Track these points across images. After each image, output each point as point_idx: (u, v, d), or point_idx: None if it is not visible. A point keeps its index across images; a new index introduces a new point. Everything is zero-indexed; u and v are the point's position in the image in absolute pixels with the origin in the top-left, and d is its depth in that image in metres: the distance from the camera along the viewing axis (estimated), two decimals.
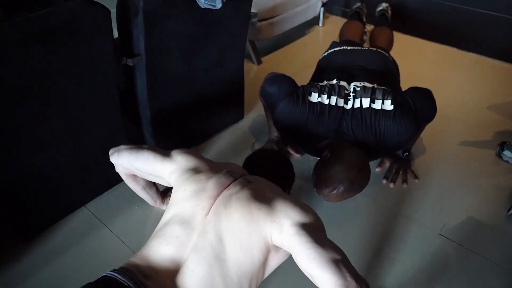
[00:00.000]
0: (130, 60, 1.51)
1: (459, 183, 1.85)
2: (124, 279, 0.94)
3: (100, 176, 1.70)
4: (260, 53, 2.82)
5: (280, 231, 1.00)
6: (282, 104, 1.67)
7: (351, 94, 1.67)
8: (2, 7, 1.19)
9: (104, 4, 1.35)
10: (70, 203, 1.67)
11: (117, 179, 1.53)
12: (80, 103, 1.46)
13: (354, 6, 3.06)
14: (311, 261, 0.93)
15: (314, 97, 1.66)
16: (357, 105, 1.64)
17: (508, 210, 1.67)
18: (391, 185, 1.82)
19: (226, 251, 1.01)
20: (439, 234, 1.61)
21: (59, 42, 1.26)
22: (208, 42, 1.75)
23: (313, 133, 1.68)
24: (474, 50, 2.86)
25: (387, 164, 1.90)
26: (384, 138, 1.62)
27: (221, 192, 1.11)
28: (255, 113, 2.30)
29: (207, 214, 1.06)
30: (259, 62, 2.78)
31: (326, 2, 3.10)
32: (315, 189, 1.60)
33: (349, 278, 0.92)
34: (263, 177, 1.25)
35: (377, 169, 1.90)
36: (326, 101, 1.65)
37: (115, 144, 1.41)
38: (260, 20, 2.57)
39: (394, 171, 1.86)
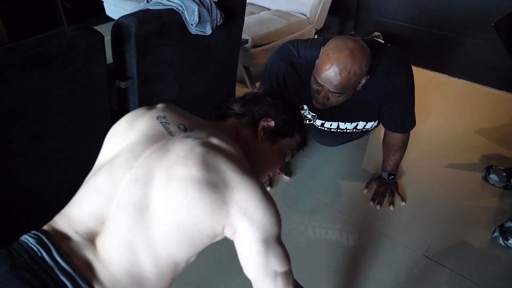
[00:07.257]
0: (123, 82, 1.58)
1: (445, 205, 1.88)
2: (34, 244, 0.82)
3: None
4: (254, 78, 2.90)
5: (233, 230, 0.85)
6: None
7: None
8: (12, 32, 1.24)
9: (101, 31, 1.42)
10: None
11: None
12: (73, 124, 1.51)
13: (348, 34, 3.15)
14: (250, 268, 0.88)
15: None
16: None
17: (493, 233, 1.70)
18: (378, 207, 1.85)
19: (152, 219, 0.81)
20: (424, 255, 1.63)
21: (54, 66, 1.32)
22: (199, 68, 1.82)
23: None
24: (463, 77, 2.93)
25: (374, 186, 1.94)
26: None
27: (166, 141, 0.89)
28: None
29: (134, 165, 0.86)
30: (253, 87, 2.84)
31: (320, 30, 3.19)
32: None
33: None
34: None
35: (365, 191, 1.93)
36: None
37: None
38: (253, 47, 2.65)
39: (381, 193, 1.89)
